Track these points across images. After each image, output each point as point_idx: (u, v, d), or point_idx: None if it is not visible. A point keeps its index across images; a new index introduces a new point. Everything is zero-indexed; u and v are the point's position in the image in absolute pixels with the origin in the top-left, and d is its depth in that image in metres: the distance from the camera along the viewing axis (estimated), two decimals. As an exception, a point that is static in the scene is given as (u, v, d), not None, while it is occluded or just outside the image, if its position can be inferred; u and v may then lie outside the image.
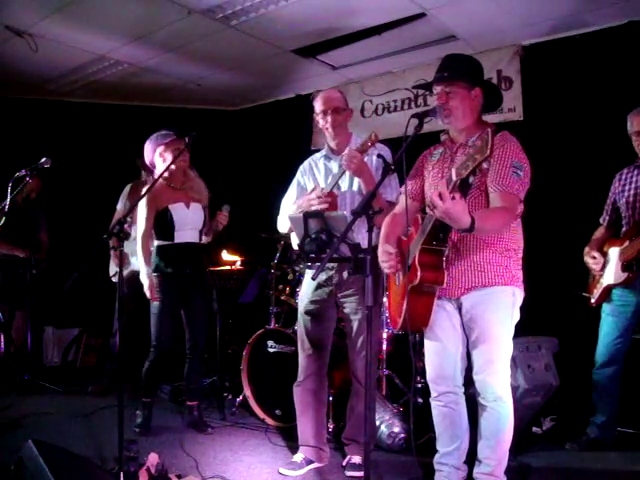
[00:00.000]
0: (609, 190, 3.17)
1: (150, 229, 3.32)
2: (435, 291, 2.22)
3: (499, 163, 2.12)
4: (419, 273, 2.13)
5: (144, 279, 3.24)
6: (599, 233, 3.19)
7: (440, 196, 1.82)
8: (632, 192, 3.00)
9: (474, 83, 2.27)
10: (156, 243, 3.35)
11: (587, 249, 3.15)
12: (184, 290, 3.34)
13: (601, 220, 3.22)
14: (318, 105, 2.83)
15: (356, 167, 2.58)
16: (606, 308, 3.09)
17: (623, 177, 3.09)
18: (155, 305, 3.29)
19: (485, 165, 1.83)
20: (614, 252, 3.01)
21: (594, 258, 3.08)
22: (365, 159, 2.64)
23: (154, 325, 3.32)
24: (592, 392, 3.12)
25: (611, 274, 3.00)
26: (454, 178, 1.88)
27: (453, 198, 1.82)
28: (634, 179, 3.03)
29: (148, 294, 3.24)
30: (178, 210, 3.30)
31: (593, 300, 3.11)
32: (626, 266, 2.91)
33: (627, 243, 2.94)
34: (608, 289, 3.03)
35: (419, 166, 2.49)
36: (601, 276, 3.07)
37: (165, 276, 3.29)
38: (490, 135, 1.75)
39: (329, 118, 2.78)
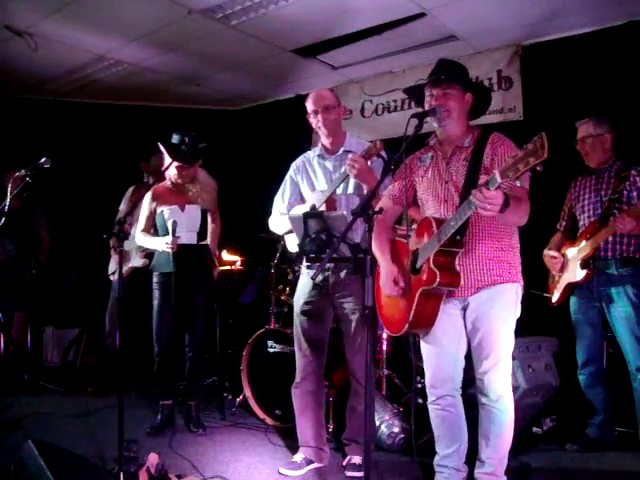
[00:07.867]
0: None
1: (149, 227, 3.45)
2: (444, 293, 2.24)
3: (503, 161, 2.11)
4: (438, 276, 2.14)
5: (161, 245, 3.21)
6: (556, 238, 3.32)
7: (482, 192, 1.88)
8: (587, 196, 3.14)
9: (467, 88, 2.34)
10: None
11: (546, 250, 3.25)
12: (183, 290, 3.32)
13: (558, 226, 3.35)
14: (309, 105, 2.83)
15: (357, 172, 2.58)
16: (572, 309, 3.17)
17: (578, 184, 3.24)
18: (154, 305, 3.41)
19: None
20: (572, 252, 3.11)
21: (554, 258, 3.17)
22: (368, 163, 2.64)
23: (154, 324, 3.40)
24: (584, 393, 3.16)
25: (572, 273, 3.08)
26: (499, 180, 1.85)
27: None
28: (587, 184, 3.16)
29: (171, 245, 3.17)
30: (172, 212, 3.36)
31: (554, 300, 3.19)
32: (584, 264, 3.01)
33: (584, 243, 3.03)
34: (569, 287, 3.11)
35: (406, 171, 2.44)
36: (560, 276, 3.16)
37: (162, 275, 3.36)
38: (545, 138, 1.74)
39: (320, 117, 2.78)
